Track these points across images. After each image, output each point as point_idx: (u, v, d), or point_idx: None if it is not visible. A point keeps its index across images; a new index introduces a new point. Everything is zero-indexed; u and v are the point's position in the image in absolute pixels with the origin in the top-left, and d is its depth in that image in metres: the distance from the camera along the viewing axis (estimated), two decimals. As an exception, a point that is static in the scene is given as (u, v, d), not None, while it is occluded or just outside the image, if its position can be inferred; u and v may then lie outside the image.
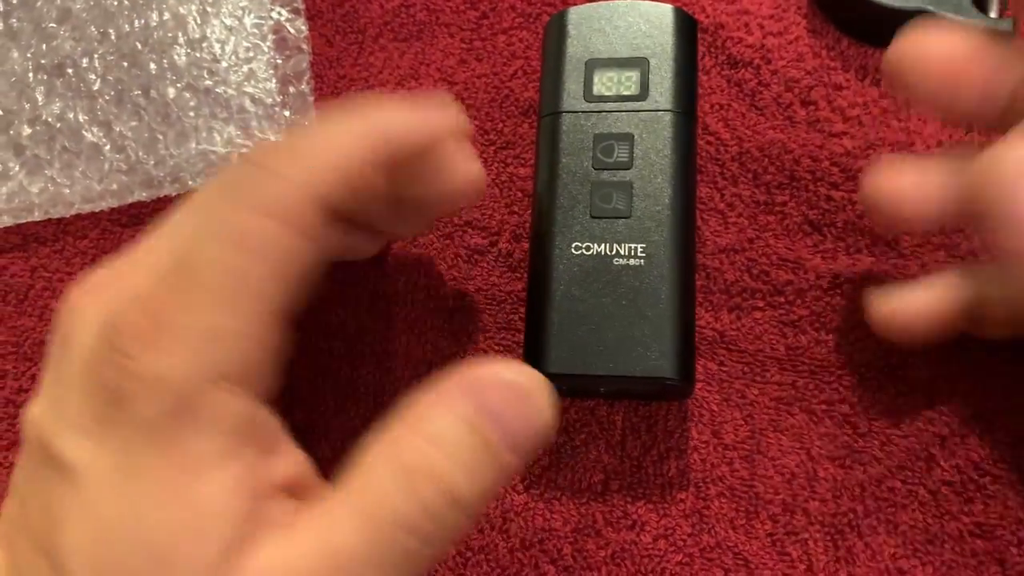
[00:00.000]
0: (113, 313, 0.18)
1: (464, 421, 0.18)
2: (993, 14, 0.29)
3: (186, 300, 0.18)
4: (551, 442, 0.27)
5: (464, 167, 0.24)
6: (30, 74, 0.34)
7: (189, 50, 0.34)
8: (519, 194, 0.31)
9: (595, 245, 0.26)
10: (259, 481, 0.18)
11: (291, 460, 0.19)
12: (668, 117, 0.27)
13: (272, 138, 0.34)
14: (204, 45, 0.34)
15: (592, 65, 0.28)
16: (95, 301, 0.18)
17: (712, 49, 0.31)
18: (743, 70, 0.30)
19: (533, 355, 0.26)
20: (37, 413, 0.18)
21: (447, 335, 0.29)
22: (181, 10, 0.34)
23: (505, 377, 0.19)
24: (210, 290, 0.18)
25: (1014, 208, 0.20)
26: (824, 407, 0.27)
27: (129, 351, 0.17)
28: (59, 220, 0.33)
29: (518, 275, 0.30)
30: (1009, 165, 0.21)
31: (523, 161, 0.31)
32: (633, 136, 0.27)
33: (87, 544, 0.17)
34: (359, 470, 0.18)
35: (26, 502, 0.18)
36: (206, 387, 0.17)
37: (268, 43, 0.34)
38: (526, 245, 0.30)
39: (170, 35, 0.34)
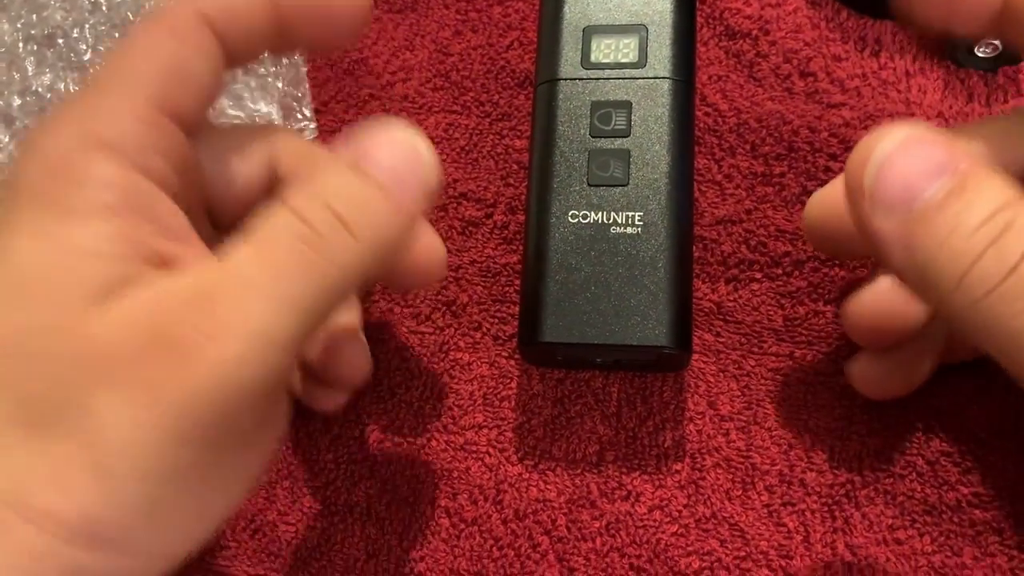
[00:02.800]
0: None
1: (348, 166, 0.18)
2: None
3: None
4: (548, 415, 0.27)
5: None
6: (20, 45, 0.34)
7: (182, 20, 0.34)
8: (514, 166, 0.30)
9: (592, 213, 0.26)
10: (139, 239, 0.18)
11: (178, 236, 0.19)
12: (667, 85, 0.27)
13: (265, 110, 0.33)
14: (197, 16, 0.34)
15: (590, 32, 0.27)
16: None
17: (710, 20, 0.31)
18: (741, 41, 0.30)
19: (529, 324, 0.25)
20: None
21: (441, 307, 0.29)
22: (173, -21, 0.34)
23: (386, 134, 0.19)
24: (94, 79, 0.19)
25: (874, 188, 0.18)
26: (821, 378, 0.27)
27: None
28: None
29: (513, 247, 0.29)
30: (866, 147, 0.18)
31: (519, 133, 0.31)
32: (631, 104, 0.26)
33: None
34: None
35: None
36: (84, 152, 0.18)
37: (262, 14, 0.34)
38: (521, 218, 0.30)
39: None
